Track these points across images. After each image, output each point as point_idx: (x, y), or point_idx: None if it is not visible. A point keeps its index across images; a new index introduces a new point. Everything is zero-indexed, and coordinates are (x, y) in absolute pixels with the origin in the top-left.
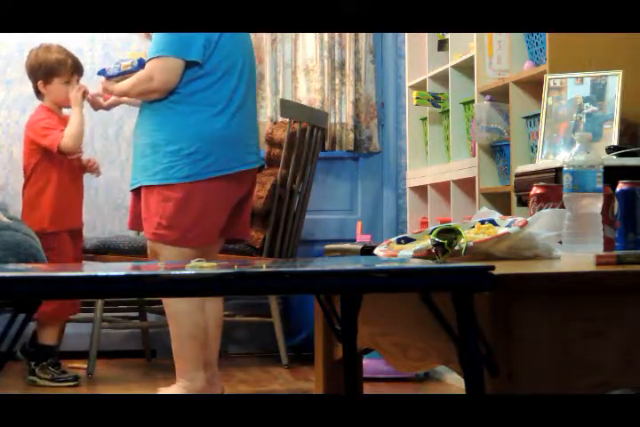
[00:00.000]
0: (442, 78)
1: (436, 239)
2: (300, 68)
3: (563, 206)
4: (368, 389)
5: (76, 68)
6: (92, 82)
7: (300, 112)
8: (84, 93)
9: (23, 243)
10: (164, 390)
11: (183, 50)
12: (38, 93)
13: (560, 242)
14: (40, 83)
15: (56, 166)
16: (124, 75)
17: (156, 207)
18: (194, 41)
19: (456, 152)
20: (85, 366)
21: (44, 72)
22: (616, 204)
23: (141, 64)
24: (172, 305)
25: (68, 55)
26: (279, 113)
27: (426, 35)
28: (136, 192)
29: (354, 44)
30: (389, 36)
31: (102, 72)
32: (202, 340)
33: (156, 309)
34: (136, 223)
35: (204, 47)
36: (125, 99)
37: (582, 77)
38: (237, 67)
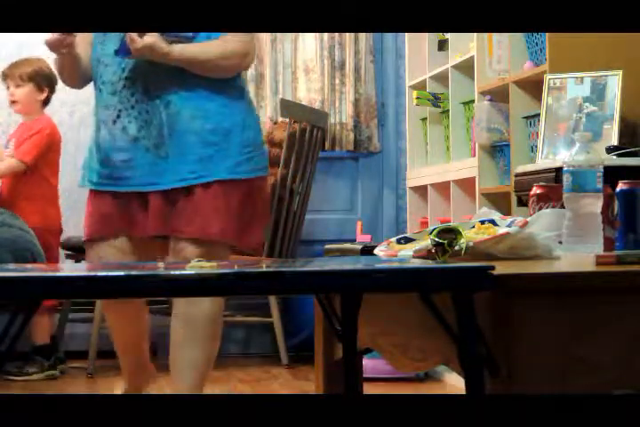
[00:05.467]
0: (442, 78)
1: (436, 239)
2: (299, 68)
3: (563, 206)
4: (368, 389)
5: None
6: None
7: (300, 112)
8: None
9: (18, 238)
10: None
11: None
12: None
13: (560, 242)
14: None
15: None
16: (180, 38)
17: (239, 206)
18: None
19: (456, 152)
20: (85, 366)
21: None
22: (616, 204)
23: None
24: (215, 305)
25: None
26: (279, 113)
27: (426, 35)
28: (178, 190)
29: (354, 44)
30: (389, 36)
31: None
32: None
33: (156, 309)
34: (164, 226)
35: None
36: (175, 57)
37: (582, 77)
38: None
